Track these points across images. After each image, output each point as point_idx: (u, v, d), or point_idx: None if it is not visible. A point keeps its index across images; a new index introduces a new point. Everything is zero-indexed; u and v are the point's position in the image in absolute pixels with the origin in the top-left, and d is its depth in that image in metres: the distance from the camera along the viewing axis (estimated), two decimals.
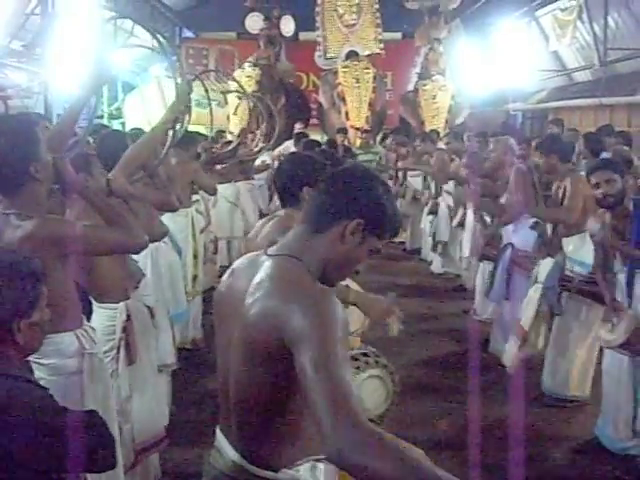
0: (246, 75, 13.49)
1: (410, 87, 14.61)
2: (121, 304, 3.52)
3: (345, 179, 1.97)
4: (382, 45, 13.36)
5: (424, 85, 13.40)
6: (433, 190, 9.47)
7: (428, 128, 12.78)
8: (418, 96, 13.44)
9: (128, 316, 3.52)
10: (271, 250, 1.98)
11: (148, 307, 3.82)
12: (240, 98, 11.51)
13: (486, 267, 6.39)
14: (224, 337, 1.98)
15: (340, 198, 1.90)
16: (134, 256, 3.84)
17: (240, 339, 1.87)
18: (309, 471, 1.93)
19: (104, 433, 2.08)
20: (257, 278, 1.90)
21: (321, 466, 1.96)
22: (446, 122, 13.14)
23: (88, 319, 3.08)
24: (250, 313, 1.84)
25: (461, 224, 8.12)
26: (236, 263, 2.08)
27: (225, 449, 1.99)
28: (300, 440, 1.91)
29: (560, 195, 5.22)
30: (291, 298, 1.78)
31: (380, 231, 1.93)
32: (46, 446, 1.93)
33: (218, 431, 2.07)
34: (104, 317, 3.44)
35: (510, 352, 5.13)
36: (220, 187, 8.20)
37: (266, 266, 1.91)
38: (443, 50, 13.62)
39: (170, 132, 3.91)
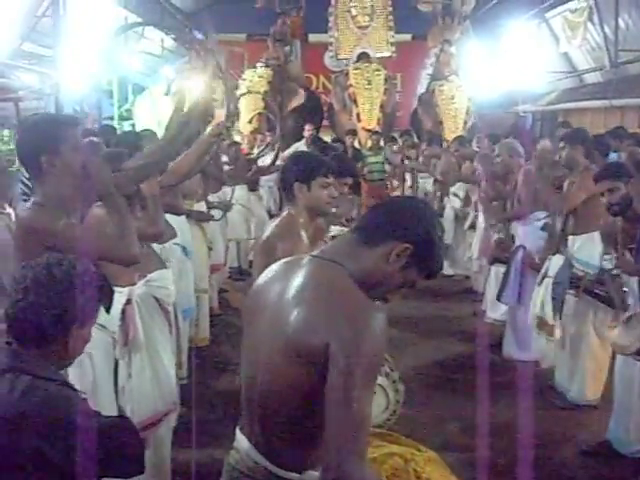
0: (258, 75, 13.47)
1: (420, 88, 14.55)
2: (126, 288, 3.59)
3: (408, 204, 2.06)
4: (394, 48, 13.33)
5: (441, 86, 13.31)
6: (439, 192, 9.47)
7: (447, 130, 12.73)
8: (435, 97, 13.36)
9: (129, 300, 3.57)
10: (315, 253, 2.02)
11: (156, 298, 3.85)
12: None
13: (498, 270, 6.38)
14: (254, 337, 1.99)
15: (398, 219, 1.96)
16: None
17: (276, 341, 1.88)
18: None
19: (135, 438, 2.10)
20: (298, 280, 1.92)
21: None
22: (465, 123, 13.05)
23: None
24: (292, 316, 1.86)
25: (472, 226, 8.11)
26: (274, 265, 2.11)
27: (246, 449, 2.00)
28: None
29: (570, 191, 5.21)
30: (338, 308, 1.82)
31: (422, 264, 1.98)
32: (81, 450, 1.93)
33: (238, 431, 2.07)
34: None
35: (546, 351, 5.11)
36: (229, 190, 8.23)
37: (309, 269, 1.94)
38: (455, 51, 13.55)
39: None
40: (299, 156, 3.48)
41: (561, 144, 5.33)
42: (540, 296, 5.10)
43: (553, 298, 4.97)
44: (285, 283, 1.95)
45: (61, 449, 1.92)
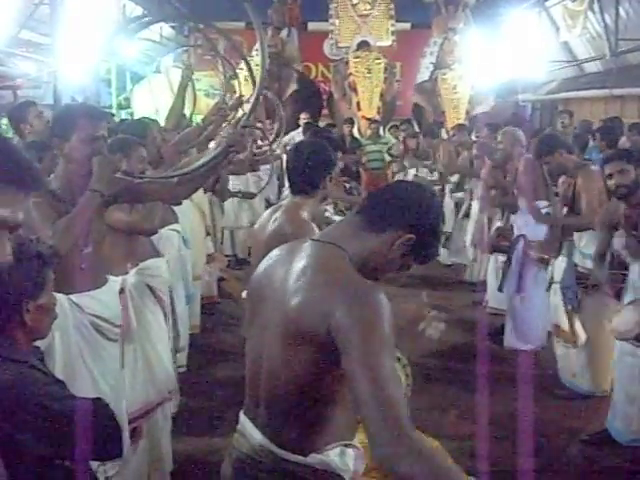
0: (255, 63, 13.40)
1: (420, 77, 14.51)
2: (119, 277, 3.57)
3: (415, 193, 2.03)
4: (394, 37, 13.29)
5: (443, 74, 13.27)
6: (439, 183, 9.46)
7: (449, 119, 12.70)
8: (437, 85, 13.32)
9: (122, 289, 3.55)
10: (316, 236, 2.04)
11: (149, 286, 3.84)
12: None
13: (497, 259, 6.37)
14: (259, 322, 2.00)
15: (406, 209, 1.96)
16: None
17: (280, 324, 1.89)
18: (338, 456, 1.94)
19: (111, 421, 2.09)
20: (301, 263, 1.93)
21: (350, 451, 1.98)
22: (467, 113, 13.03)
23: None
24: (294, 299, 1.86)
25: (467, 215, 8.12)
26: (275, 250, 2.11)
27: (251, 433, 2.00)
28: (331, 425, 1.92)
29: (570, 192, 5.17)
30: (340, 288, 1.82)
31: (422, 252, 2.00)
32: (50, 432, 1.94)
33: (242, 415, 2.08)
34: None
35: (573, 361, 5.06)
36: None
37: (310, 252, 1.95)
38: (458, 40, 13.49)
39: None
40: (322, 150, 3.30)
41: (545, 160, 5.32)
42: (552, 303, 5.08)
43: (565, 303, 4.93)
44: (287, 267, 1.96)
45: (30, 431, 1.92)
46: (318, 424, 1.92)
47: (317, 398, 1.87)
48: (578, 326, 4.92)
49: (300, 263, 1.93)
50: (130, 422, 3.61)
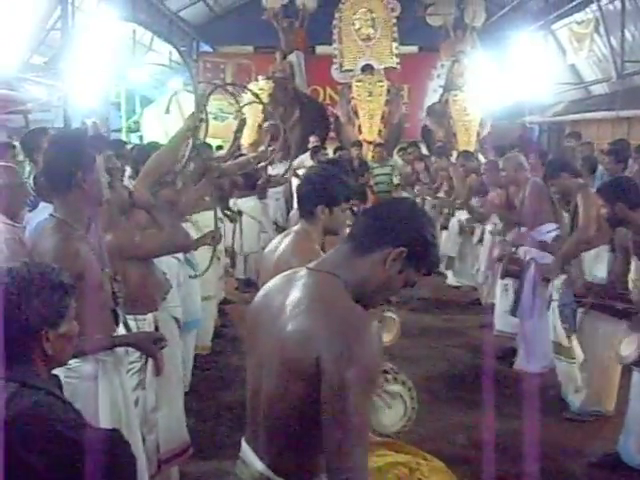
0: (259, 88, 13.48)
1: (427, 100, 14.54)
2: (149, 315, 3.56)
3: (396, 208, 2.06)
4: (398, 59, 13.36)
5: (455, 96, 13.30)
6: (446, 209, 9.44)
7: (460, 141, 12.72)
8: (448, 107, 13.34)
9: (156, 327, 3.54)
10: (311, 265, 2.03)
11: (175, 318, 3.84)
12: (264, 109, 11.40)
13: (507, 282, 6.33)
14: (257, 351, 2.01)
15: (389, 225, 1.96)
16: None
17: (276, 354, 1.90)
18: None
19: (126, 452, 2.07)
20: (295, 293, 1.94)
21: None
22: (478, 135, 13.04)
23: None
24: (288, 330, 1.88)
25: (480, 240, 8.09)
26: (274, 279, 2.12)
27: (251, 460, 2.02)
28: None
29: (572, 213, 5.22)
30: (332, 321, 1.84)
31: (420, 263, 1.99)
32: (63, 460, 1.93)
33: (244, 442, 2.09)
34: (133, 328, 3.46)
35: (576, 378, 5.06)
36: (240, 201, 8.30)
37: (305, 282, 1.96)
38: (467, 63, 13.52)
39: (189, 141, 3.93)
40: (326, 179, 3.27)
41: (551, 182, 5.43)
42: (551, 321, 5.10)
43: (563, 321, 4.94)
44: (283, 297, 1.97)
45: (44, 458, 1.90)
46: (315, 451, 1.92)
47: (313, 427, 1.87)
48: (575, 344, 4.92)
49: (296, 292, 1.94)
50: (169, 460, 3.62)
